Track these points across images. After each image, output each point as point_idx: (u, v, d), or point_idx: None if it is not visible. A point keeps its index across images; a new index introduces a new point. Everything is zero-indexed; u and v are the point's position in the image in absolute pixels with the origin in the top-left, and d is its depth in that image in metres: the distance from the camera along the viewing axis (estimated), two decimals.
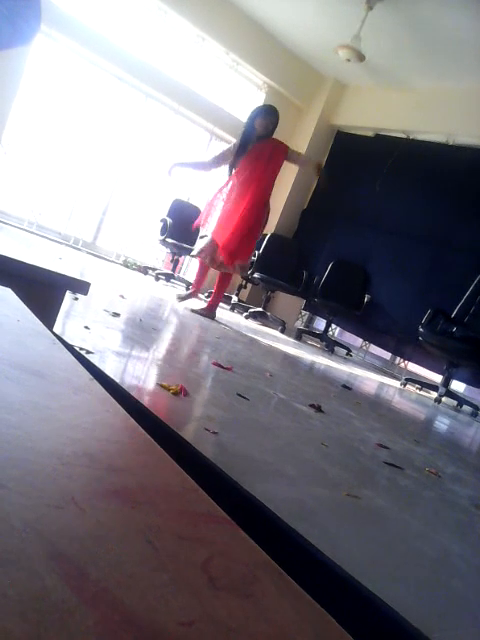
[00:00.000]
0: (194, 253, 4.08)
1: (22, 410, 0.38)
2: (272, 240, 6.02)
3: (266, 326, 5.33)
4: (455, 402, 4.57)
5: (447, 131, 5.49)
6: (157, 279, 5.80)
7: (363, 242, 5.80)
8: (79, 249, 5.75)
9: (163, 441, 0.42)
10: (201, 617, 0.23)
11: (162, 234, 5.72)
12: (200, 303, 4.28)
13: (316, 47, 5.96)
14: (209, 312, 3.92)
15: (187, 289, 5.76)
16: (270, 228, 6.00)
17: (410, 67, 5.54)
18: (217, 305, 4.04)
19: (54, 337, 0.64)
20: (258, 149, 3.87)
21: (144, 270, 6.10)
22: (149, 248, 6.48)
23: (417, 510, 1.25)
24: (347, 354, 5.68)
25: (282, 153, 3.93)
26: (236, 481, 0.57)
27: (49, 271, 1.16)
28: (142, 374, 1.59)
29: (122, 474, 0.34)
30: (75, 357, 0.58)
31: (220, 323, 3.88)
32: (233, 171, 3.96)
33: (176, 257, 6.00)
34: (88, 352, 1.47)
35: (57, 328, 1.44)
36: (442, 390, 4.29)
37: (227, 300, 5.91)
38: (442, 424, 3.30)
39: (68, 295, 1.62)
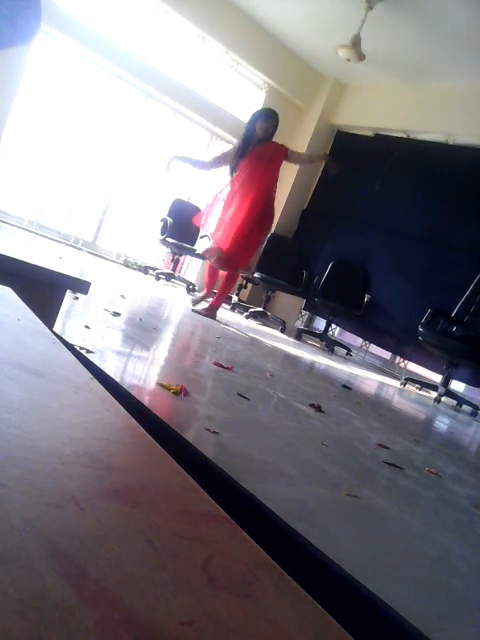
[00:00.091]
0: (199, 251, 4.09)
1: (22, 409, 0.38)
2: (272, 240, 6.02)
3: (266, 326, 5.33)
4: (455, 402, 4.56)
5: (447, 131, 5.49)
6: (157, 279, 5.80)
7: (363, 242, 5.80)
8: (79, 248, 5.75)
9: (163, 441, 0.42)
10: (201, 617, 0.23)
11: (162, 234, 5.72)
12: (204, 304, 4.28)
13: (316, 47, 5.96)
14: (210, 312, 3.92)
15: (188, 290, 5.77)
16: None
17: (410, 67, 5.54)
18: (219, 306, 4.04)
19: (54, 336, 0.64)
20: (258, 152, 3.88)
21: (144, 270, 6.10)
22: (149, 248, 6.48)
23: (417, 510, 1.25)
24: (347, 354, 5.68)
25: (282, 155, 3.94)
26: (236, 481, 0.57)
27: (49, 270, 1.16)
28: (142, 373, 1.59)
29: (122, 473, 0.34)
30: (75, 356, 0.58)
31: (220, 323, 3.88)
32: (234, 173, 3.97)
33: (176, 257, 6.00)
34: (88, 351, 1.47)
35: (57, 327, 1.44)
36: (442, 390, 4.29)
37: (227, 300, 5.91)
38: (442, 424, 3.30)
39: (68, 294, 1.62)
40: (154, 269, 6.07)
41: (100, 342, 1.72)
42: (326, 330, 5.55)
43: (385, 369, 5.73)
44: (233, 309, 5.80)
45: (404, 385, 4.65)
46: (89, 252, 5.80)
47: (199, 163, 4.30)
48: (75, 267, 3.80)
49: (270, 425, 1.51)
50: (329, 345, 5.41)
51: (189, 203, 6.22)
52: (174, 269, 6.05)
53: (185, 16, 5.59)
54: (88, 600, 0.21)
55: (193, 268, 6.79)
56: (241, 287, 6.27)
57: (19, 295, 0.77)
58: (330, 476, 1.22)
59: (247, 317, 5.39)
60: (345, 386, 2.97)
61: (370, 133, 6.31)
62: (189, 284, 5.88)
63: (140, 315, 2.80)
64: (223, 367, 2.05)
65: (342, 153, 6.56)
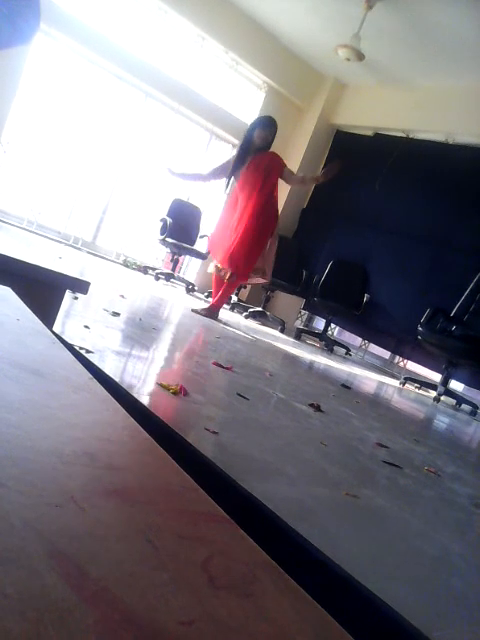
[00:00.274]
0: (210, 270, 4.11)
1: (22, 409, 0.38)
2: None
3: (266, 326, 5.33)
4: (454, 401, 4.57)
5: (447, 130, 5.49)
6: (157, 279, 5.80)
7: (363, 242, 5.80)
8: (79, 248, 5.75)
9: (163, 440, 0.42)
10: (201, 616, 0.23)
11: (162, 234, 5.72)
12: (205, 304, 4.28)
13: (316, 47, 5.96)
14: (211, 313, 3.92)
15: (187, 290, 5.77)
16: None
17: (409, 66, 5.54)
18: (220, 306, 4.04)
19: (54, 336, 0.64)
20: (256, 162, 3.88)
21: (144, 270, 6.09)
22: (149, 247, 6.48)
23: (417, 509, 1.25)
24: (346, 353, 5.68)
25: (278, 170, 3.92)
26: (236, 481, 0.57)
27: (49, 270, 1.16)
28: (142, 373, 1.59)
29: (122, 473, 0.34)
30: (75, 356, 0.58)
31: (220, 323, 3.88)
32: (235, 183, 3.98)
33: (176, 257, 6.00)
34: (88, 351, 1.47)
35: (57, 327, 1.44)
36: (441, 389, 4.29)
37: (227, 300, 5.91)
38: (441, 423, 3.30)
39: (68, 294, 1.62)
40: (154, 269, 6.07)
41: (100, 342, 1.72)
42: (325, 330, 5.55)
43: (384, 368, 5.73)
44: (232, 309, 5.80)
45: (403, 384, 4.65)
46: (89, 252, 5.80)
47: (197, 176, 4.32)
48: (75, 267, 3.80)
49: (270, 425, 1.51)
50: (328, 345, 5.41)
51: (189, 203, 6.22)
52: (173, 269, 6.05)
53: (185, 16, 5.59)
54: (88, 600, 0.21)
55: (192, 268, 6.79)
56: (241, 287, 6.27)
57: (19, 295, 0.77)
58: (330, 476, 1.22)
59: (246, 317, 5.39)
60: (344, 386, 2.97)
61: (370, 133, 6.32)
62: (189, 284, 5.88)
63: (140, 315, 2.80)
64: (223, 367, 2.05)
65: (342, 153, 6.56)
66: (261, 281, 4.25)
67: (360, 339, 6.09)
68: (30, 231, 5.42)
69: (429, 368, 5.22)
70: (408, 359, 5.50)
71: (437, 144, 5.59)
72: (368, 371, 4.86)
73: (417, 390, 4.75)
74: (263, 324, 5.38)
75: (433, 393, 4.41)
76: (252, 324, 4.97)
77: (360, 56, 4.89)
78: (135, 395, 1.23)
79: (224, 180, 4.04)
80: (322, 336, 5.49)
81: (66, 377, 0.50)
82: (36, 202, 5.65)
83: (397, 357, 5.78)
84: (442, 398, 4.34)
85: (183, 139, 6.34)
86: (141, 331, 2.28)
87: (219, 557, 0.28)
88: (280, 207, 6.40)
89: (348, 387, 2.98)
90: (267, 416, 1.62)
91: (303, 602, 0.27)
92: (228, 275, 3.94)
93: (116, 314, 2.38)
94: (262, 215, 3.89)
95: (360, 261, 5.69)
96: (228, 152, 6.46)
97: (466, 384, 5.09)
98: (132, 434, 0.42)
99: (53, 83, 5.46)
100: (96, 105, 5.73)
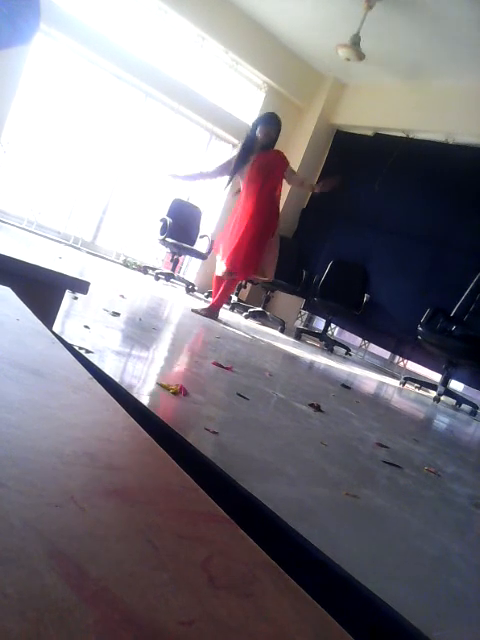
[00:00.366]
0: (218, 274, 4.07)
1: (21, 409, 0.38)
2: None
3: (266, 326, 5.33)
4: (454, 401, 4.57)
5: (447, 130, 5.49)
6: (157, 279, 5.80)
7: (363, 242, 5.80)
8: (79, 248, 5.75)
9: (163, 440, 0.42)
10: (201, 616, 0.23)
11: (162, 234, 5.72)
12: (205, 304, 4.28)
13: (316, 46, 5.96)
14: (211, 312, 3.92)
15: (187, 290, 5.77)
16: None
17: (410, 66, 5.54)
18: (220, 306, 4.04)
19: (53, 336, 0.64)
20: (260, 160, 3.86)
21: (144, 270, 6.09)
22: (149, 247, 6.48)
23: (416, 509, 1.25)
24: (346, 353, 5.68)
25: (282, 168, 3.91)
26: (236, 481, 0.57)
27: (49, 270, 1.16)
28: (142, 373, 1.59)
29: (122, 473, 0.34)
30: (74, 356, 0.58)
31: (220, 323, 3.88)
32: (241, 182, 3.97)
33: (176, 257, 6.00)
34: (87, 351, 1.47)
35: (57, 327, 1.44)
36: (441, 389, 4.29)
37: (227, 300, 5.91)
38: (441, 423, 3.30)
39: (68, 294, 1.62)
40: (153, 269, 6.07)
41: (99, 342, 1.72)
42: (325, 330, 5.55)
43: (384, 368, 5.73)
44: (232, 309, 5.80)
45: (403, 384, 4.65)
46: (88, 252, 5.80)
47: (202, 175, 4.31)
48: (74, 267, 3.80)
49: (269, 425, 1.51)
50: (328, 345, 5.41)
51: (189, 203, 6.22)
52: (173, 269, 6.05)
53: (185, 16, 5.59)
54: (88, 600, 0.21)
55: (192, 268, 6.79)
56: (240, 287, 6.27)
57: (19, 295, 0.77)
58: (330, 476, 1.22)
59: (246, 317, 5.39)
60: (344, 386, 2.97)
61: (370, 133, 6.31)
62: (189, 284, 5.88)
63: (139, 315, 2.80)
64: (223, 367, 2.05)
65: (342, 152, 6.57)
66: (263, 279, 4.26)
67: (360, 339, 6.09)
68: (30, 231, 5.42)
69: (429, 368, 5.21)
70: (408, 359, 5.50)
71: (437, 144, 5.59)
72: (368, 371, 4.86)
73: (417, 390, 4.75)
74: (263, 324, 5.38)
75: (433, 393, 4.41)
76: (252, 324, 4.97)
77: (360, 56, 4.89)
78: (135, 395, 1.23)
79: (227, 177, 4.04)
80: (322, 336, 5.49)
81: (66, 377, 0.50)
82: (36, 202, 5.64)
83: (397, 357, 5.78)
84: (442, 398, 4.34)
85: (183, 139, 6.34)
86: (141, 331, 2.28)
87: (219, 557, 0.28)
88: (280, 207, 6.43)
89: (348, 387, 2.98)
90: (267, 416, 1.62)
91: (303, 602, 0.27)
92: (225, 272, 3.94)
93: (116, 314, 2.38)
94: (263, 214, 3.88)
95: (360, 261, 5.69)
96: (228, 152, 6.45)
97: (466, 384, 5.09)
98: (132, 434, 0.42)
99: (53, 83, 5.46)
100: (96, 105, 5.73)
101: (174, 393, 1.39)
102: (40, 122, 5.49)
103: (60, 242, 5.62)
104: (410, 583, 0.84)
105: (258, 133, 3.84)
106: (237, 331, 3.80)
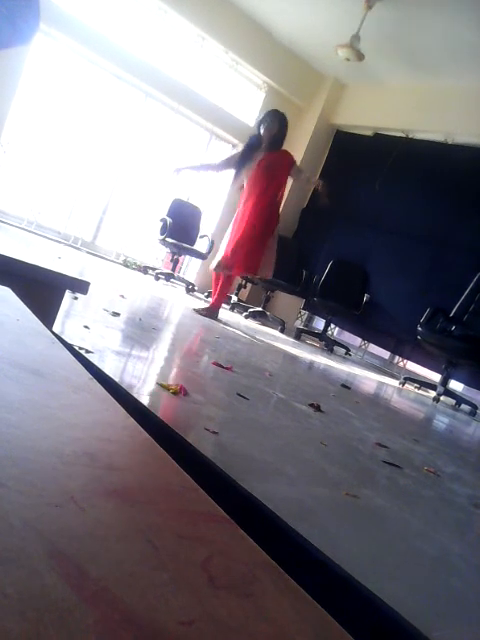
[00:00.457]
0: (213, 267, 4.07)
1: (21, 409, 0.38)
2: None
3: (266, 326, 5.33)
4: (454, 401, 4.57)
5: (446, 130, 5.50)
6: (157, 279, 5.80)
7: (362, 242, 5.80)
8: (79, 248, 5.75)
9: (163, 440, 0.42)
10: (201, 616, 0.23)
11: (162, 234, 5.72)
12: (205, 304, 4.28)
13: (315, 46, 5.96)
14: (211, 312, 3.92)
15: (187, 290, 5.77)
16: None
17: (409, 66, 5.54)
18: (219, 306, 4.04)
19: (53, 336, 0.64)
20: (267, 160, 3.85)
21: (144, 270, 6.09)
22: (149, 247, 6.48)
23: (416, 509, 1.25)
24: (346, 353, 5.68)
25: (289, 166, 3.90)
26: (236, 481, 0.57)
27: (49, 270, 1.16)
28: (142, 373, 1.59)
29: (122, 473, 0.34)
30: (74, 356, 0.58)
31: (220, 323, 3.88)
32: (239, 176, 3.97)
33: (176, 257, 6.00)
34: (87, 351, 1.47)
35: (56, 327, 1.44)
36: (440, 389, 4.29)
37: (227, 300, 5.91)
38: (441, 423, 3.30)
39: (68, 294, 1.62)
40: (153, 269, 6.07)
41: (99, 342, 1.72)
42: (325, 330, 5.55)
43: (384, 368, 5.73)
44: (232, 309, 5.80)
45: (403, 384, 4.65)
46: (88, 252, 5.80)
47: (208, 166, 4.32)
48: (74, 267, 3.80)
49: (269, 425, 1.51)
50: (328, 345, 5.41)
51: (189, 203, 6.22)
52: (173, 269, 6.05)
53: (185, 16, 5.59)
54: (88, 600, 0.21)
55: (192, 268, 6.79)
56: (240, 287, 6.27)
57: (18, 295, 0.77)
58: (329, 476, 1.22)
59: (246, 317, 5.39)
60: (344, 386, 2.97)
61: (369, 133, 6.31)
62: (189, 284, 5.88)
63: (139, 315, 2.80)
64: (222, 367, 2.05)
65: (341, 152, 6.57)
66: (263, 276, 4.27)
67: (360, 339, 6.09)
68: (30, 231, 5.42)
69: (429, 368, 5.21)
70: (408, 359, 5.50)
71: (437, 144, 5.59)
72: (368, 371, 4.86)
73: (417, 390, 4.75)
74: (263, 324, 5.38)
75: (433, 393, 4.41)
76: (252, 324, 4.97)
77: (360, 56, 4.89)
78: (135, 395, 1.23)
79: (233, 172, 4.04)
80: (322, 336, 5.49)
81: (66, 377, 0.50)
82: (36, 202, 5.64)
83: (397, 357, 5.77)
84: (442, 398, 4.34)
85: (183, 139, 6.34)
86: (141, 331, 2.28)
87: (219, 557, 0.28)
88: (280, 206, 6.43)
89: (348, 387, 2.98)
90: (267, 416, 1.62)
91: (303, 602, 0.27)
92: (219, 264, 3.94)
93: (116, 314, 2.38)
94: (263, 215, 3.89)
95: (360, 261, 5.69)
96: (228, 152, 6.45)
97: (466, 384, 5.09)
98: (132, 434, 0.42)
99: (53, 83, 5.46)
100: (96, 105, 5.73)
101: (174, 393, 1.39)
102: (40, 122, 5.49)
103: (60, 242, 5.61)
104: (410, 583, 0.84)
105: (262, 130, 3.84)
106: (237, 331, 3.80)
